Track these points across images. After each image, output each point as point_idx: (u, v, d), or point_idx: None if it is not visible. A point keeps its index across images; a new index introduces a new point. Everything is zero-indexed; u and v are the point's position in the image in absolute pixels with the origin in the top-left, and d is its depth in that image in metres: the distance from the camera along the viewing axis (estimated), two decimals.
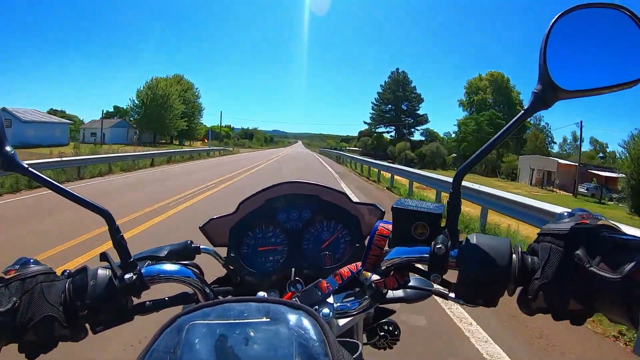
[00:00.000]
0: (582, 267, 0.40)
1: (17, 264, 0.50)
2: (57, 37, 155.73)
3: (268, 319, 0.37)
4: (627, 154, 22.16)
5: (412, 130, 76.88)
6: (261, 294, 0.64)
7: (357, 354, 0.45)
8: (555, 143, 64.94)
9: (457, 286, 0.47)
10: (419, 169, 18.52)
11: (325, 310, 0.57)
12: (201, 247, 0.69)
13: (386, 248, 0.54)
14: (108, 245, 0.51)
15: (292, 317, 0.38)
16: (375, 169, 14.89)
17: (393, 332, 0.77)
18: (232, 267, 0.73)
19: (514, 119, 0.47)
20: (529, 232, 5.39)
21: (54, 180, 0.53)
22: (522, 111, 0.47)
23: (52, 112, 54.15)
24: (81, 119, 65.18)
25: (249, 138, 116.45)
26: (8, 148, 0.50)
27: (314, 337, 0.36)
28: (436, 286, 0.52)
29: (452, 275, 0.49)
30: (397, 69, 79.66)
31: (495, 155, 50.71)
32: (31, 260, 0.51)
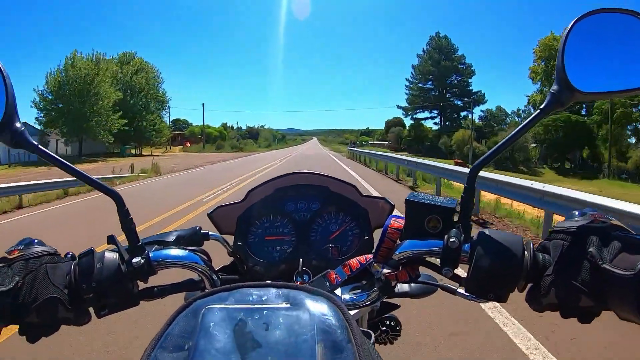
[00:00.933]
0: (594, 264, 0.40)
1: (21, 244, 0.49)
2: None
3: (288, 305, 0.36)
4: None
5: (467, 113, 56.07)
6: None
7: (370, 342, 0.44)
8: None
9: (467, 281, 0.47)
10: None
11: None
12: (210, 234, 0.69)
13: (398, 242, 0.53)
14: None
15: (313, 303, 0.36)
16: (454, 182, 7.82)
17: (395, 327, 0.79)
18: (238, 256, 0.73)
19: (529, 118, 0.48)
20: None
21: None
22: (538, 110, 0.47)
23: None
24: None
25: (254, 137, 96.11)
26: (18, 124, 0.48)
27: (336, 323, 0.35)
28: (443, 282, 0.53)
29: (461, 272, 0.49)
30: (437, 32, 58.60)
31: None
32: (35, 241, 0.50)
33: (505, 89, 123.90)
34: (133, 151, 38.14)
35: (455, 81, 56.20)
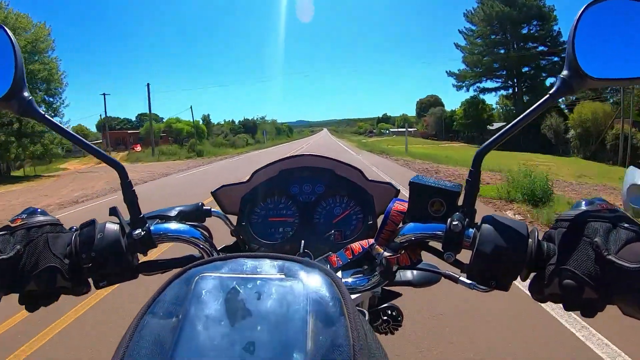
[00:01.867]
0: (599, 255, 0.40)
1: (24, 213, 0.50)
2: None
3: (282, 275, 0.36)
4: None
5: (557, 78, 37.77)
6: None
7: (365, 319, 0.43)
8: None
9: (470, 267, 0.46)
10: None
11: None
12: (212, 210, 0.70)
13: (400, 225, 0.53)
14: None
15: (307, 275, 0.36)
16: None
17: (396, 317, 0.78)
18: (241, 236, 0.73)
19: (538, 103, 0.47)
20: None
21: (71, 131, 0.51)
22: (548, 95, 0.46)
23: None
24: None
25: (252, 132, 76.00)
26: (26, 93, 0.49)
27: (329, 295, 0.34)
28: (446, 271, 0.52)
29: (464, 259, 0.48)
30: None
31: None
32: (38, 210, 0.51)
33: None
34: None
35: (533, 31, 36.97)
